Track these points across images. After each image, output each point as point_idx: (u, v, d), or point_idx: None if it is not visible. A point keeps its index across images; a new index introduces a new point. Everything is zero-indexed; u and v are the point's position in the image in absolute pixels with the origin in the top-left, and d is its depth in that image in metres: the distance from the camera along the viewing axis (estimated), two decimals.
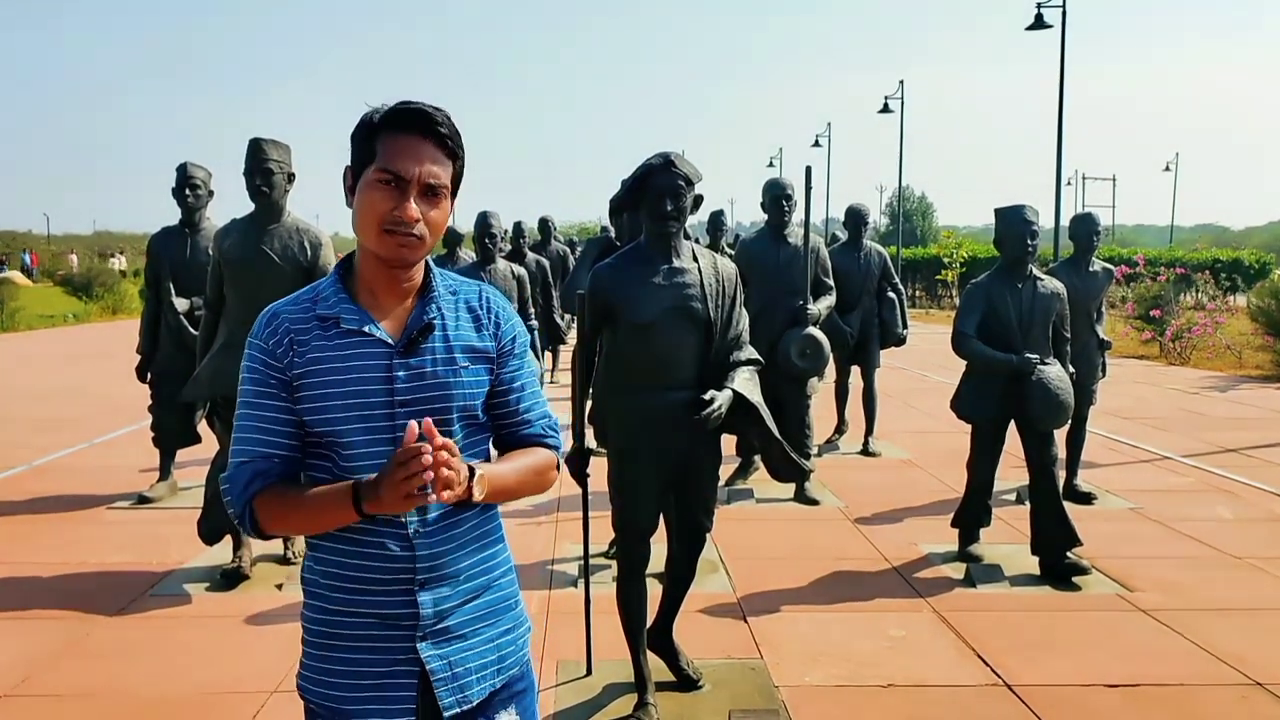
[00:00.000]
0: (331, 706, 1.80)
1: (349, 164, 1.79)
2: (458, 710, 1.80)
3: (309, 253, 5.00)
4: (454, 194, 1.81)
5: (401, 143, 1.72)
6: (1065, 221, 10.57)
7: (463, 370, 1.81)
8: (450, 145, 1.76)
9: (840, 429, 8.99)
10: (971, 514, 5.62)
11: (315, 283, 1.85)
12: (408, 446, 1.56)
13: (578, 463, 3.60)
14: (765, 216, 6.75)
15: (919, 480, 7.68)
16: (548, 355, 12.13)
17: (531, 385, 1.94)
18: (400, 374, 1.75)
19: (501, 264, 6.51)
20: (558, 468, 1.98)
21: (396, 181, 1.71)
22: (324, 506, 1.70)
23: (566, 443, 2.54)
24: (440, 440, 1.59)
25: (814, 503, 6.88)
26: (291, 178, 5.08)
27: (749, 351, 3.71)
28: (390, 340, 1.76)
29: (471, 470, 1.70)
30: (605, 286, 3.59)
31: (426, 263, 1.84)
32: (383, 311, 1.79)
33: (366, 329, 1.76)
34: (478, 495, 1.70)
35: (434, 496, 1.58)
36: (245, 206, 5.07)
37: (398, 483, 1.57)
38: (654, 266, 3.58)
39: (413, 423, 1.58)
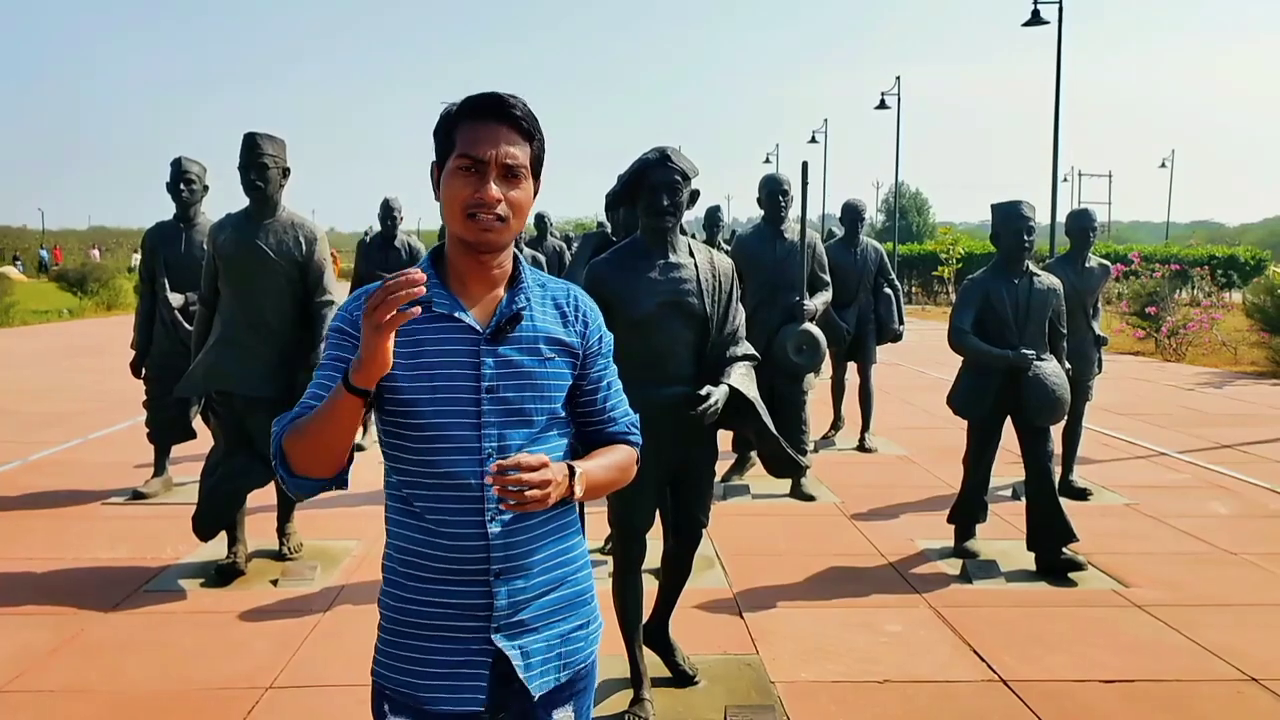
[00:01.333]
0: (405, 693, 1.81)
1: (434, 160, 1.84)
2: (523, 701, 1.83)
3: (304, 247, 4.99)
4: (536, 176, 1.85)
5: (478, 129, 1.77)
6: (1061, 218, 10.58)
7: (547, 362, 1.84)
8: (525, 126, 1.80)
9: (836, 425, 9.00)
10: (968, 510, 5.63)
11: (407, 269, 1.88)
12: (380, 289, 1.55)
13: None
14: (762, 212, 6.74)
15: (915, 476, 7.68)
16: None
17: (616, 384, 2.00)
18: (488, 360, 1.79)
19: None
20: (637, 464, 2.03)
21: (475, 166, 1.76)
22: (324, 405, 1.70)
23: None
24: (535, 459, 1.66)
25: (810, 498, 6.88)
26: (286, 172, 5.06)
27: (745, 347, 3.70)
28: (479, 327, 1.80)
29: (571, 470, 1.76)
30: (601, 282, 3.58)
31: (516, 255, 1.88)
32: (472, 299, 1.83)
33: (456, 315, 1.80)
34: (579, 493, 1.78)
35: (408, 313, 1.56)
36: (241, 201, 5.06)
37: (369, 314, 1.55)
38: (650, 262, 3.58)
39: (419, 273, 1.55)
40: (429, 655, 1.80)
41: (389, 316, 1.55)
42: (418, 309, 1.58)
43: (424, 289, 1.56)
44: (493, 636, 1.79)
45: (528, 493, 1.65)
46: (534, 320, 1.85)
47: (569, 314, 1.90)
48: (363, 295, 1.80)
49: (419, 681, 1.80)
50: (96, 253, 47.77)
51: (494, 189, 1.75)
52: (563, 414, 1.89)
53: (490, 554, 1.78)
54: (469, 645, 1.79)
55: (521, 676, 1.80)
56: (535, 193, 1.84)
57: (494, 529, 1.78)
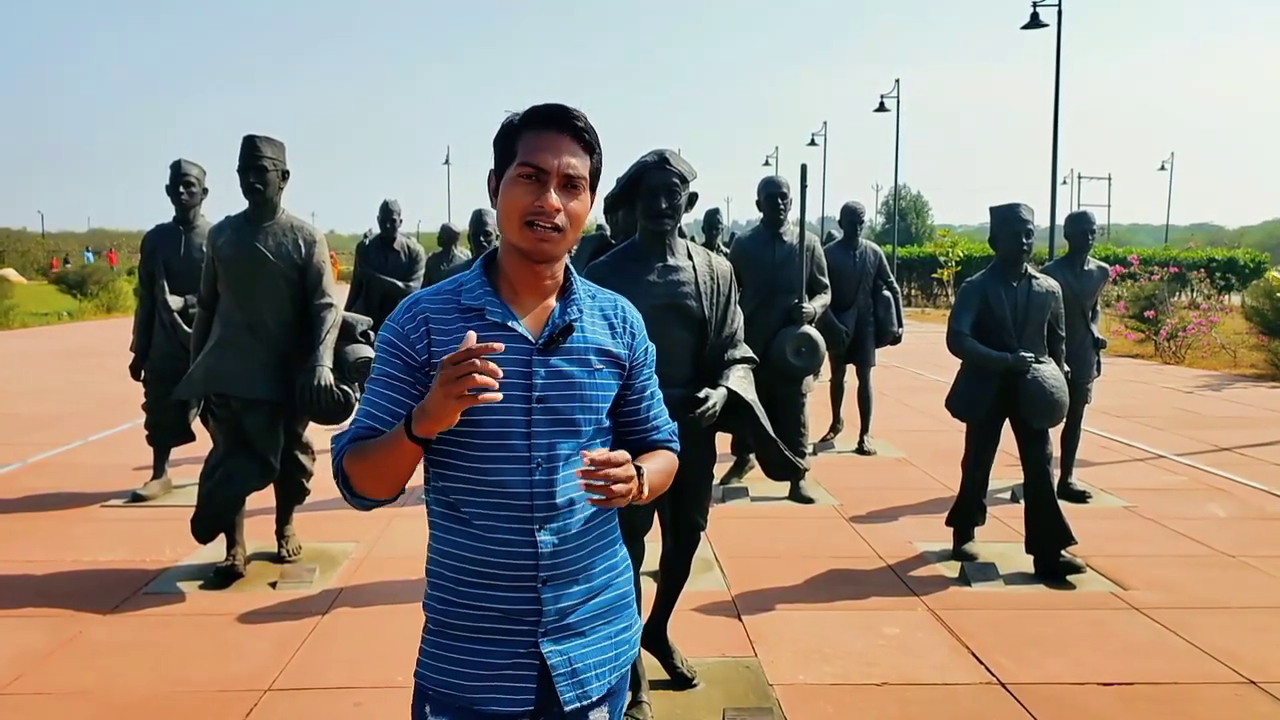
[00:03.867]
0: (450, 694, 1.82)
1: (492, 168, 1.85)
2: (578, 705, 1.84)
3: (303, 250, 4.99)
4: (593, 189, 1.86)
5: (541, 138, 1.78)
6: (1060, 220, 10.58)
7: (596, 373, 1.86)
8: (587, 139, 1.82)
9: (835, 427, 9.00)
10: (966, 512, 5.63)
11: (456, 275, 1.91)
12: (460, 351, 1.57)
13: None
14: (761, 215, 6.75)
15: (914, 478, 7.68)
16: None
17: (659, 394, 2.05)
18: (539, 370, 1.80)
19: None
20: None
21: (537, 175, 1.77)
22: (389, 443, 1.73)
23: None
24: (621, 455, 1.71)
25: (809, 501, 6.88)
26: (286, 175, 5.07)
27: (744, 350, 3.70)
28: (531, 337, 1.81)
29: (639, 470, 1.78)
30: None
31: (568, 266, 1.89)
32: (524, 309, 1.84)
33: (509, 324, 1.80)
34: (645, 494, 1.80)
35: (486, 397, 1.58)
36: (240, 204, 5.06)
37: (447, 383, 1.58)
38: (648, 264, 3.58)
39: (470, 332, 1.60)
40: (477, 658, 1.81)
41: (466, 393, 1.57)
42: (498, 395, 1.60)
43: (500, 371, 1.58)
44: (540, 641, 1.81)
45: (615, 486, 1.68)
46: (584, 331, 1.86)
47: (617, 325, 1.93)
48: (413, 307, 1.83)
49: (466, 683, 1.81)
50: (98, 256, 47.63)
51: (554, 198, 1.76)
52: (607, 424, 1.92)
53: (539, 561, 1.79)
54: (517, 649, 1.81)
55: (556, 687, 1.81)
56: (591, 205, 1.86)
57: (543, 537, 1.79)
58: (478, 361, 1.56)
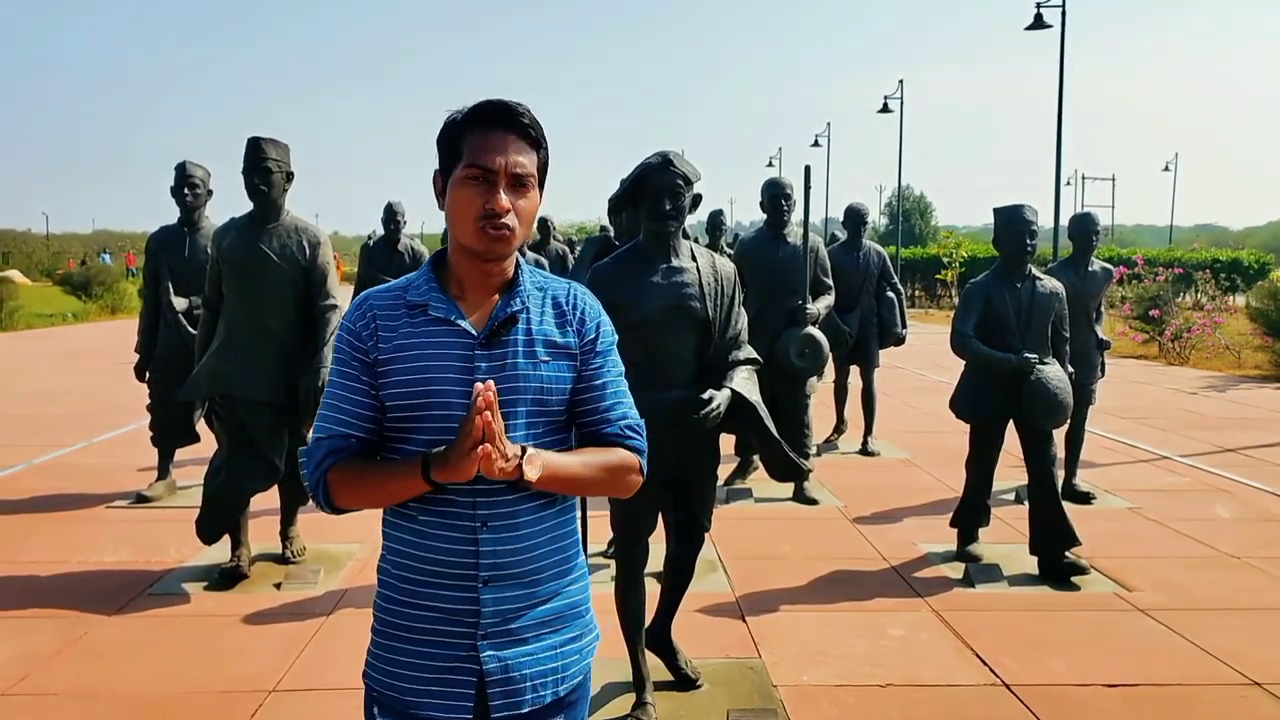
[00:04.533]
0: (393, 696, 1.80)
1: (437, 169, 1.83)
2: (505, 714, 1.79)
3: (307, 251, 5.00)
4: (542, 184, 1.84)
5: (487, 138, 1.76)
6: (1064, 221, 10.57)
7: (542, 364, 1.82)
8: (533, 135, 1.80)
9: (839, 428, 8.99)
10: (970, 514, 5.62)
11: (409, 274, 1.90)
12: (476, 411, 1.60)
13: None
14: (764, 216, 6.75)
15: (918, 480, 7.68)
16: None
17: (616, 385, 1.91)
18: (481, 364, 1.77)
19: None
20: (640, 471, 1.93)
21: (485, 175, 1.75)
22: (393, 475, 1.75)
23: None
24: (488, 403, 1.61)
25: (813, 502, 6.88)
26: (290, 177, 5.08)
27: (748, 351, 3.70)
28: (474, 331, 1.79)
29: (522, 449, 1.69)
30: (603, 286, 3.59)
31: (518, 260, 1.87)
32: (469, 304, 1.83)
33: (453, 318, 1.79)
34: (530, 475, 1.68)
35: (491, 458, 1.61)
36: (245, 205, 5.07)
37: (466, 449, 1.61)
38: (652, 266, 3.58)
39: (478, 384, 1.61)
40: (417, 660, 1.78)
41: (480, 465, 1.61)
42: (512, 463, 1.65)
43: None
44: (479, 645, 1.77)
45: (490, 435, 1.60)
46: (530, 323, 1.83)
47: (568, 313, 1.87)
48: (362, 304, 1.83)
49: (407, 686, 1.79)
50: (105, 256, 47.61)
51: (504, 199, 1.75)
52: (560, 419, 1.87)
53: (480, 560, 1.76)
54: (456, 653, 1.77)
55: (489, 695, 1.76)
56: (540, 201, 1.84)
57: (485, 535, 1.76)
58: (487, 419, 1.59)
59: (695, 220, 4.68)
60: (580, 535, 1.94)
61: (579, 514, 1.94)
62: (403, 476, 1.73)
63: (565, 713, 1.88)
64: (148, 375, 6.65)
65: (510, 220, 1.76)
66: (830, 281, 6.83)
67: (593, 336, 1.89)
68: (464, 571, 1.77)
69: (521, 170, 1.77)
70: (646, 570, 3.82)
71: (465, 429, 1.62)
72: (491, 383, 1.62)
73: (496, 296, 1.84)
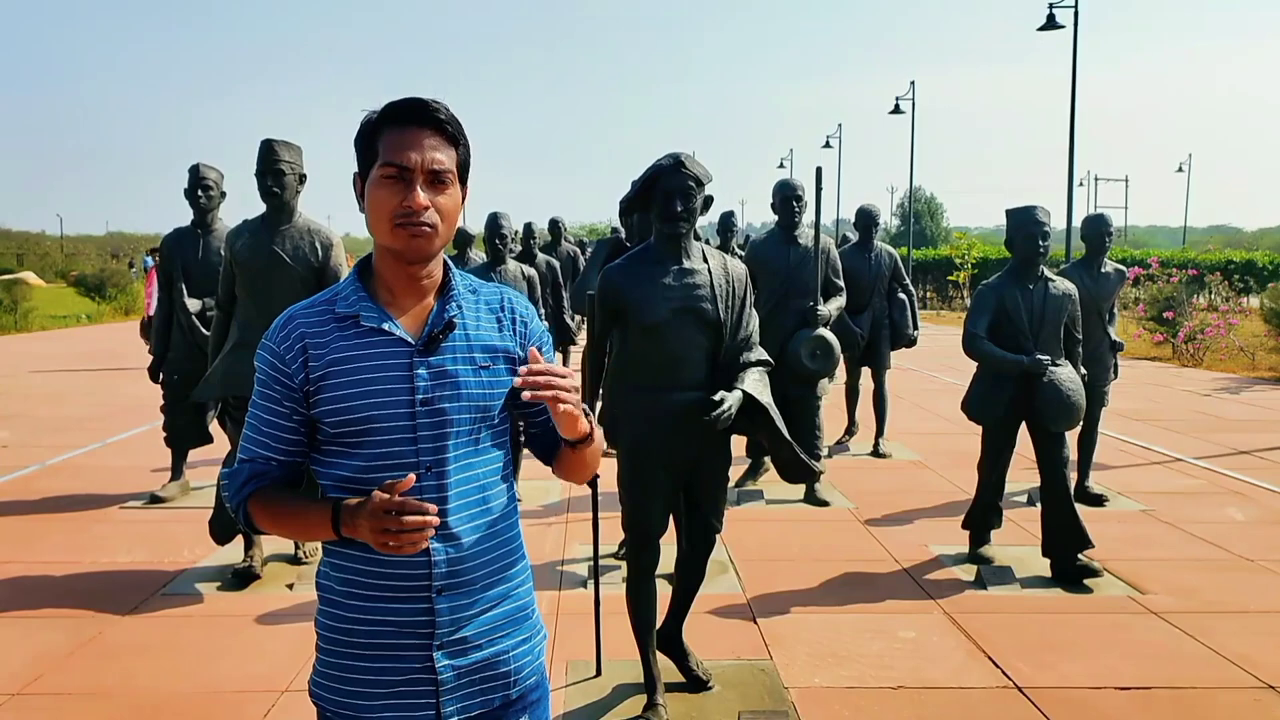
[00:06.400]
0: (348, 714, 1.78)
1: (356, 170, 1.79)
2: (488, 710, 1.80)
3: (320, 253, 5.02)
4: (463, 181, 1.80)
5: (402, 136, 1.72)
6: (1077, 222, 10.54)
7: (482, 370, 1.79)
8: (450, 131, 1.76)
9: (850, 430, 8.98)
10: (982, 515, 5.61)
11: (334, 285, 1.85)
12: (391, 500, 1.58)
13: None
14: (776, 218, 6.74)
15: (929, 482, 7.66)
16: (558, 356, 12.11)
17: None
18: (421, 372, 1.73)
19: (512, 265, 6.53)
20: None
21: (401, 173, 1.71)
22: (309, 521, 1.73)
23: None
24: (560, 367, 1.72)
25: (824, 504, 6.87)
26: (303, 179, 5.10)
27: (759, 352, 3.70)
28: (410, 339, 1.75)
29: (586, 411, 1.79)
30: (615, 287, 3.59)
31: (446, 262, 1.84)
32: (401, 310, 1.78)
33: (385, 327, 1.74)
34: (593, 427, 1.83)
35: (422, 545, 1.61)
36: (258, 207, 5.10)
37: (376, 531, 1.59)
38: (664, 267, 3.58)
39: (410, 476, 1.60)
40: (371, 676, 1.75)
41: (390, 545, 1.59)
42: (425, 543, 1.62)
43: (436, 520, 1.60)
44: (435, 654, 1.75)
45: (564, 395, 1.69)
46: (467, 328, 1.80)
47: (504, 318, 1.85)
48: (288, 324, 1.78)
49: (363, 703, 1.76)
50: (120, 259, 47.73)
51: (421, 196, 1.70)
52: (501, 425, 1.85)
53: (433, 571, 1.73)
54: (412, 664, 1.75)
55: (441, 702, 1.76)
56: (463, 199, 1.80)
57: (436, 545, 1.72)
58: (407, 519, 1.57)
59: (706, 222, 4.68)
60: (520, 541, 1.91)
61: (519, 516, 1.92)
62: (317, 521, 1.70)
63: (529, 711, 1.88)
64: (161, 376, 6.68)
65: (430, 217, 1.72)
66: (841, 283, 6.82)
67: (537, 339, 1.88)
68: (418, 583, 1.73)
69: (439, 167, 1.73)
70: (658, 572, 3.83)
71: (379, 506, 1.58)
72: (412, 476, 1.60)
73: (430, 300, 1.80)
